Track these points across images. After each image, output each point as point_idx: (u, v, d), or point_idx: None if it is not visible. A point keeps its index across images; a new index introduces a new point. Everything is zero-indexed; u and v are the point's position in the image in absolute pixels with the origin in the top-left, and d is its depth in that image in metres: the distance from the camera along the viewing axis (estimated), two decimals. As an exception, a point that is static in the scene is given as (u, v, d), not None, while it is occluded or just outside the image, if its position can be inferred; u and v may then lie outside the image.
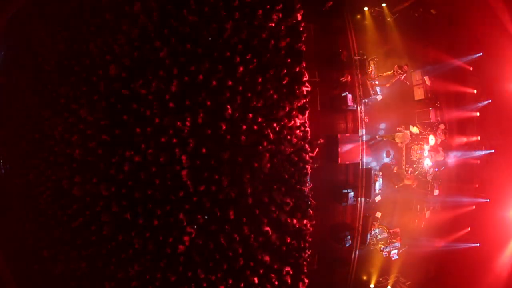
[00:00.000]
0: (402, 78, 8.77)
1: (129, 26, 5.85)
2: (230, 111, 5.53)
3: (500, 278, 9.17)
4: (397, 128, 8.86)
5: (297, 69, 6.10)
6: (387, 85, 8.99)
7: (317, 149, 6.49)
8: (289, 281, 5.99)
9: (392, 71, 8.76)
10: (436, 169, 9.65)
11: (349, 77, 8.77)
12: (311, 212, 6.20)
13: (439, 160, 9.46)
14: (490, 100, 9.76)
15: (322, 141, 6.44)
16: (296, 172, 5.99)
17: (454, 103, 10.22)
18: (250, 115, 5.62)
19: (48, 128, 6.64)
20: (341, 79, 8.72)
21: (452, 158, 9.99)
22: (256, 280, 5.69)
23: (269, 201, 5.81)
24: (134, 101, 5.61)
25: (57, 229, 6.41)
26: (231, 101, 5.59)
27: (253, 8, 5.80)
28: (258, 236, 5.78)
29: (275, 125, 5.79)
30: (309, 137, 6.28)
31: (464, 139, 10.28)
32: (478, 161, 10.26)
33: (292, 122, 5.99)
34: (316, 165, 6.33)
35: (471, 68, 9.99)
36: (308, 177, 6.32)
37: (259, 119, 5.69)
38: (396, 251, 9.15)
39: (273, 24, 5.96)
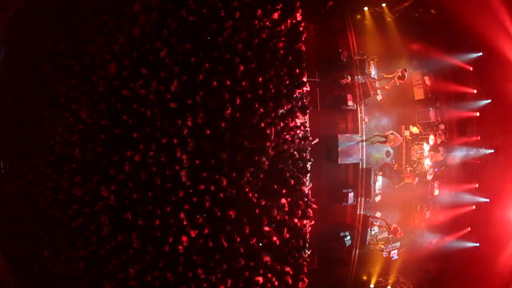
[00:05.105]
0: (397, 83, 8.84)
1: (129, 26, 5.85)
2: (230, 111, 5.54)
3: (500, 278, 9.17)
4: (389, 132, 8.87)
5: (297, 69, 6.10)
6: (386, 87, 9.01)
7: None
8: (289, 281, 5.99)
9: (394, 74, 8.78)
10: (436, 169, 9.66)
11: (349, 79, 8.78)
12: (311, 212, 6.20)
13: (439, 160, 9.46)
14: (490, 100, 9.76)
15: (317, 140, 6.49)
16: (297, 172, 6.01)
17: (454, 103, 10.23)
18: (251, 115, 5.63)
19: (48, 128, 6.63)
20: (341, 81, 8.73)
21: (452, 158, 9.99)
22: (259, 280, 5.69)
23: (269, 202, 5.82)
24: (134, 101, 5.61)
25: (57, 229, 6.41)
26: (231, 101, 5.60)
27: (253, 8, 5.81)
28: (258, 236, 5.78)
29: (276, 125, 5.80)
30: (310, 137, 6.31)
31: (464, 139, 10.28)
32: (478, 161, 10.26)
33: (293, 122, 6.00)
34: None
35: (471, 68, 10.00)
36: (308, 177, 6.33)
37: (260, 119, 5.69)
38: (396, 251, 9.16)
39: (272, 25, 5.96)
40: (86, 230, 5.98)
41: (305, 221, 6.14)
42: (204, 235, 5.63)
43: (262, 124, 5.65)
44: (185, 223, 5.53)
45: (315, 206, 6.28)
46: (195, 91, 5.57)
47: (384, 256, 9.09)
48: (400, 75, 8.64)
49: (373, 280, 9.33)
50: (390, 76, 8.92)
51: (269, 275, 5.84)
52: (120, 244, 5.71)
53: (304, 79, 6.24)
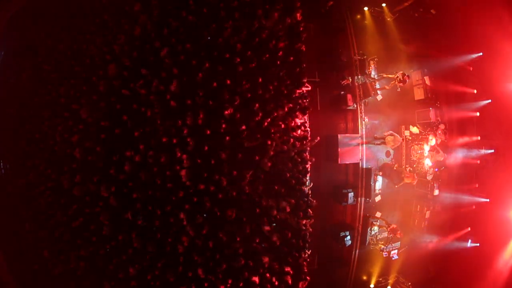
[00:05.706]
0: (398, 88, 8.83)
1: (129, 26, 5.85)
2: (229, 111, 5.54)
3: (500, 278, 9.17)
4: (388, 132, 8.93)
5: (297, 69, 6.10)
6: (387, 87, 9.01)
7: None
8: (289, 281, 5.99)
9: (395, 75, 8.78)
10: (436, 169, 9.65)
11: (350, 80, 8.78)
12: (311, 212, 6.20)
13: (439, 160, 9.46)
14: (490, 100, 9.76)
15: (318, 139, 6.46)
16: (297, 172, 6.00)
17: (454, 103, 10.23)
18: (251, 115, 5.63)
19: (48, 128, 6.63)
20: (342, 82, 8.74)
21: (452, 158, 9.99)
22: (257, 280, 5.69)
23: (269, 202, 5.82)
24: (134, 101, 5.61)
25: (57, 229, 6.41)
26: (231, 101, 5.60)
27: (253, 8, 5.80)
28: (258, 235, 5.78)
29: (276, 125, 5.79)
30: (309, 137, 6.30)
31: (464, 139, 10.28)
32: (478, 161, 10.26)
33: (293, 122, 5.99)
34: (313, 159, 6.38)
35: (471, 68, 9.99)
36: (308, 177, 6.33)
37: (259, 119, 5.69)
38: (396, 251, 9.16)
39: (272, 24, 5.96)
40: (86, 230, 5.98)
41: (305, 221, 6.14)
42: (204, 235, 5.63)
43: (265, 123, 5.65)
44: (185, 223, 5.53)
45: (315, 204, 6.28)
46: (195, 91, 5.57)
47: (384, 256, 9.10)
48: (401, 78, 8.65)
49: (373, 280, 9.33)
50: (391, 76, 8.92)
51: (268, 275, 5.84)
52: (120, 244, 5.71)
53: (304, 79, 6.24)
